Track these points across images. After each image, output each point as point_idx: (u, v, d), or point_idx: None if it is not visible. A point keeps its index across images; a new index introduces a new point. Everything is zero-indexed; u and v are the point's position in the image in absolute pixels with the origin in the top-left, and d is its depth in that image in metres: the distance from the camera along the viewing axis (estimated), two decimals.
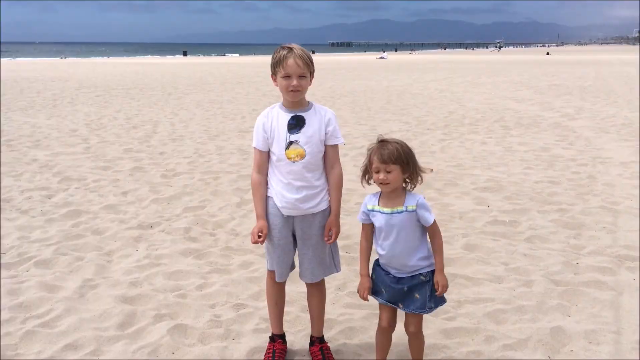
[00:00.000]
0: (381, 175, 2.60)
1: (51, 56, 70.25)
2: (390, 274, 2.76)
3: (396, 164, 2.59)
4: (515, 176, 7.07)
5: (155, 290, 3.97)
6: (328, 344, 3.20)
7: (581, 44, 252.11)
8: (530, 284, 4.00)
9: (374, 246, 2.81)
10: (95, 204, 6.03)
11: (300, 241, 2.97)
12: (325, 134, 2.87)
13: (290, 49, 2.79)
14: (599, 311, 3.60)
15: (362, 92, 18.45)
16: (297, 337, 3.36)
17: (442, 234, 5.01)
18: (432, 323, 3.46)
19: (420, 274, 2.72)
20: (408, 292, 2.72)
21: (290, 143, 2.83)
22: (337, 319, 3.56)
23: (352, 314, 3.63)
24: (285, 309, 3.28)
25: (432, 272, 2.76)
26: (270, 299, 3.14)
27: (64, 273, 4.25)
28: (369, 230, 2.79)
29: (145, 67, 38.04)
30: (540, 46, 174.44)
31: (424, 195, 2.82)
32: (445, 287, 2.69)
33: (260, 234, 2.85)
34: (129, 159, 8.32)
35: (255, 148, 2.93)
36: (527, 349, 3.20)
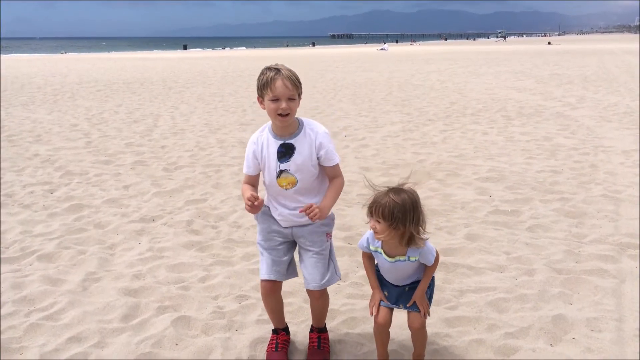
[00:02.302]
0: (371, 223, 2.54)
1: (51, 52, 70.16)
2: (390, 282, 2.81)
3: (385, 220, 2.48)
4: (517, 166, 7.06)
5: (158, 283, 3.98)
6: (328, 334, 3.20)
7: (583, 33, 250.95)
8: (532, 273, 4.01)
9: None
10: (97, 198, 6.04)
11: (302, 249, 2.96)
12: (318, 158, 2.78)
13: (278, 70, 2.67)
14: (601, 299, 3.61)
15: (363, 84, 18.41)
16: (300, 328, 3.38)
17: (444, 224, 5.02)
18: (434, 312, 3.47)
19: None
20: (410, 291, 2.76)
21: (281, 172, 2.77)
22: (340, 309, 3.57)
23: (354, 304, 3.64)
24: (288, 299, 3.29)
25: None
26: (267, 307, 3.09)
27: (67, 266, 4.27)
28: (369, 254, 2.79)
29: (146, 61, 37.99)
30: (542, 36, 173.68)
31: (429, 232, 2.73)
32: (426, 306, 2.75)
33: (251, 199, 2.70)
34: (130, 152, 8.32)
35: (245, 174, 2.91)
36: (529, 337, 3.21)
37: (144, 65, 32.52)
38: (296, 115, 2.79)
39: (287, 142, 2.77)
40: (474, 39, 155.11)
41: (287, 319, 3.29)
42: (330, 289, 3.78)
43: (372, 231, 2.65)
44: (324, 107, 12.93)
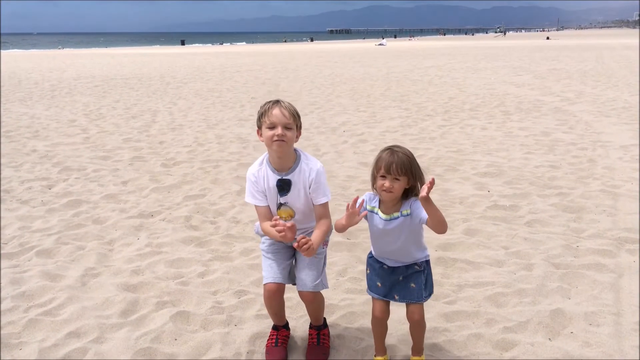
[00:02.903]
0: (387, 183, 2.55)
1: (49, 47, 69.91)
2: (385, 265, 2.78)
3: (405, 175, 2.55)
4: (516, 161, 7.06)
5: (157, 278, 3.98)
6: (327, 330, 3.21)
7: (581, 28, 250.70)
8: (530, 268, 4.01)
9: (369, 242, 2.82)
10: (96, 193, 6.03)
11: (298, 255, 2.97)
12: (310, 193, 2.83)
13: (277, 101, 2.77)
14: (599, 293, 3.62)
15: (362, 79, 18.39)
16: (299, 323, 3.38)
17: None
18: (432, 307, 3.48)
19: (415, 263, 2.75)
20: (403, 281, 2.74)
21: (281, 204, 2.87)
22: (339, 304, 3.58)
23: (353, 299, 3.65)
24: (286, 295, 3.28)
25: (427, 261, 2.81)
26: (270, 310, 3.10)
27: (65, 262, 4.27)
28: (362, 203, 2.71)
29: (144, 57, 37.89)
30: (540, 31, 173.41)
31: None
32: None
33: (281, 229, 2.64)
34: (128, 148, 8.31)
35: (255, 206, 2.91)
36: (527, 331, 3.22)
37: (142, 60, 32.44)
38: (295, 146, 2.87)
39: (284, 177, 2.84)
40: (472, 34, 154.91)
41: (287, 313, 3.29)
42: (329, 285, 3.80)
43: (369, 193, 2.72)
44: (323, 103, 12.91)
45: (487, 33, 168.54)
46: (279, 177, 2.84)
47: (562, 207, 5.25)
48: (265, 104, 2.78)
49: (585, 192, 5.68)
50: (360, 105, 12.34)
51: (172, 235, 4.81)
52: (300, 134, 2.84)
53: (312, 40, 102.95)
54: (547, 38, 70.93)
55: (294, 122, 2.75)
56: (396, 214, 2.64)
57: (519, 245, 4.43)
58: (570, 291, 3.67)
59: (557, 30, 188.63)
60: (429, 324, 3.28)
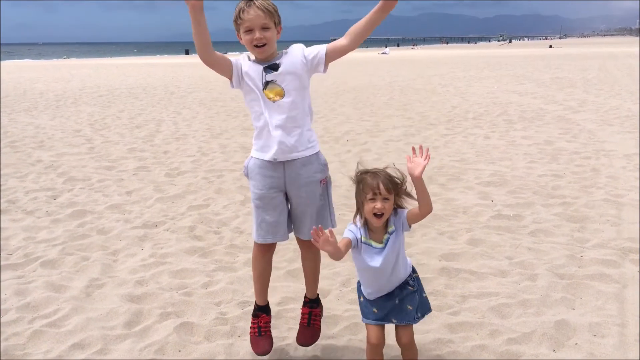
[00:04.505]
0: (378, 204, 2.48)
1: (54, 57, 70.37)
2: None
3: (391, 192, 2.51)
4: (519, 170, 7.06)
5: (161, 289, 3.99)
6: (320, 310, 3.18)
7: (584, 36, 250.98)
8: (534, 278, 4.01)
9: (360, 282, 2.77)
10: (100, 203, 6.06)
11: (295, 200, 2.88)
12: (310, 59, 2.71)
13: (250, 0, 2.60)
14: (604, 304, 3.61)
15: (365, 88, 18.43)
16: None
17: (446, 229, 5.01)
18: (436, 318, 3.47)
19: (407, 283, 2.71)
20: (400, 304, 2.68)
21: (267, 83, 2.70)
22: (342, 315, 3.57)
23: (356, 310, 3.61)
24: (290, 305, 3.30)
25: (417, 279, 2.77)
26: (255, 271, 3.03)
27: (70, 273, 4.28)
28: (347, 243, 2.59)
29: (148, 67, 38.09)
30: (543, 39, 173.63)
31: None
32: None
33: None
34: (133, 158, 8.35)
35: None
36: (531, 342, 3.21)
37: (146, 70, 32.61)
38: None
39: (271, 62, 2.72)
40: (475, 43, 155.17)
41: (285, 319, 3.30)
42: (332, 295, 3.81)
43: (354, 226, 2.62)
44: (326, 112, 12.94)
45: (489, 42, 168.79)
46: (266, 65, 2.70)
47: (566, 217, 5.25)
48: (239, 4, 2.62)
49: (589, 202, 5.67)
50: (364, 115, 12.37)
51: (176, 245, 4.83)
52: (281, 28, 2.73)
53: None
54: (550, 46, 70.99)
55: (271, 19, 2.61)
56: (386, 237, 2.61)
57: (523, 255, 4.43)
58: (574, 302, 3.66)
59: (560, 38, 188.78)
60: (432, 335, 3.29)
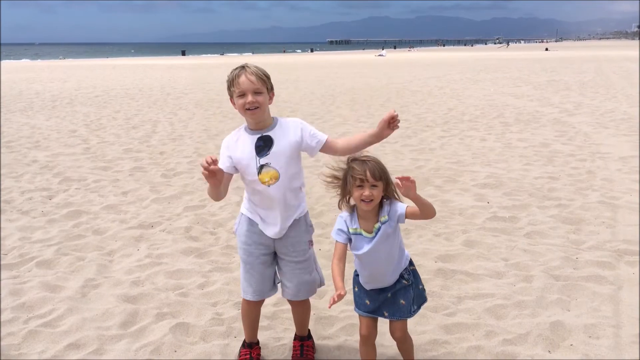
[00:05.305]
0: (366, 192, 2.47)
1: (50, 58, 70.21)
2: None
3: (380, 180, 2.50)
4: (515, 172, 7.08)
5: (156, 289, 3.98)
6: (312, 342, 3.19)
7: (580, 39, 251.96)
8: (530, 279, 4.02)
9: (354, 264, 2.77)
10: (96, 204, 6.05)
11: (283, 260, 2.91)
12: (306, 141, 2.76)
13: (243, 67, 2.68)
14: (599, 305, 3.62)
15: (362, 90, 18.45)
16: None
17: (443, 231, 5.02)
18: (432, 319, 3.48)
19: (402, 276, 2.70)
20: (392, 298, 2.69)
21: (262, 167, 2.73)
22: (338, 316, 3.57)
23: (352, 311, 3.64)
24: (284, 306, 3.29)
25: (413, 272, 2.76)
26: (246, 323, 3.09)
27: (65, 273, 4.27)
28: (344, 250, 2.63)
29: (145, 67, 38.04)
30: (539, 42, 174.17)
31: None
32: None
33: (208, 160, 2.53)
34: (129, 159, 8.33)
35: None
36: (527, 343, 3.22)
37: (143, 71, 32.57)
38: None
39: (264, 134, 2.75)
40: (472, 45, 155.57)
41: (281, 319, 3.29)
42: (329, 296, 3.80)
43: (346, 213, 2.64)
44: (323, 114, 12.96)
45: (486, 44, 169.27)
46: (259, 135, 2.73)
47: (562, 219, 5.26)
48: (232, 72, 2.69)
49: (585, 204, 5.69)
50: (361, 116, 12.38)
51: (172, 246, 4.82)
52: (273, 94, 2.77)
53: (312, 50, 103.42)
54: (546, 49, 71.21)
55: (263, 85, 2.66)
56: (377, 225, 2.60)
57: (518, 256, 4.44)
58: (569, 303, 3.67)
59: (556, 41, 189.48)
60: (428, 336, 3.29)
